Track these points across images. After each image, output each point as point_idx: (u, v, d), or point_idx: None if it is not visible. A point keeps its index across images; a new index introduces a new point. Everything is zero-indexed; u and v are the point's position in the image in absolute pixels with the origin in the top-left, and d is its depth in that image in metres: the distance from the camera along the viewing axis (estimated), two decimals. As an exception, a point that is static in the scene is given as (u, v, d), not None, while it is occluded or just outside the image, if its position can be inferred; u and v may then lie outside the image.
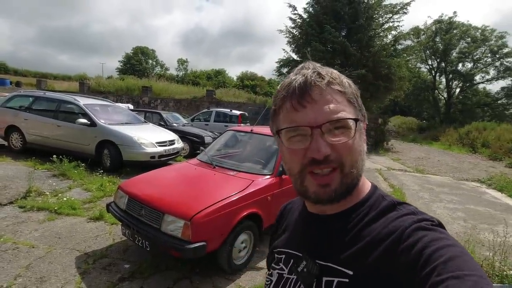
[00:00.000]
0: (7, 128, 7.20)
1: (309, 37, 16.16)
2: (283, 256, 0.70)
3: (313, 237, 0.65)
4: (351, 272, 0.55)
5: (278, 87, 0.63)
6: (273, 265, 0.72)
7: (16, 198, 4.33)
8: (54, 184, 5.24)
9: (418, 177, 9.36)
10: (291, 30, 17.72)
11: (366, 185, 0.65)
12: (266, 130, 4.26)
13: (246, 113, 14.26)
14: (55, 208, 4.11)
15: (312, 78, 0.58)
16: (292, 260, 0.66)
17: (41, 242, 3.30)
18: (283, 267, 0.68)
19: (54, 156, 5.84)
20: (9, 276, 2.65)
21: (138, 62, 50.85)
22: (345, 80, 0.62)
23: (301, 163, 0.57)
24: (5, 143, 7.42)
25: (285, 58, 18.64)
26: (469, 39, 28.07)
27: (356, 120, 0.58)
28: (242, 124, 11.91)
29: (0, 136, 7.45)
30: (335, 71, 0.63)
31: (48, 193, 4.73)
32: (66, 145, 6.69)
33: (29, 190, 4.57)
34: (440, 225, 0.55)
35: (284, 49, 18.37)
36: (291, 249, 0.69)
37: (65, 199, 4.44)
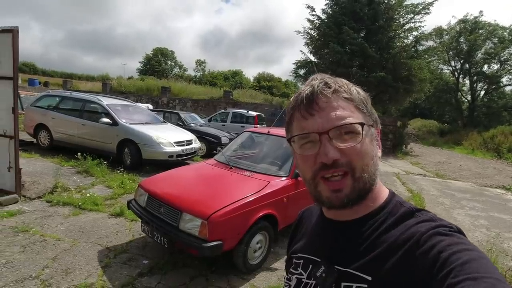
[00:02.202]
0: (36, 126, 7.61)
1: (327, 38, 16.03)
2: (302, 261, 0.71)
3: (331, 243, 0.66)
4: (369, 278, 0.56)
5: (291, 98, 0.67)
6: (291, 270, 0.73)
7: (44, 193, 4.57)
8: (78, 180, 5.49)
9: (438, 182, 9.07)
10: (309, 31, 17.66)
11: (383, 192, 0.66)
12: (282, 131, 4.27)
13: (263, 114, 14.30)
14: (79, 204, 4.30)
15: (319, 87, 0.61)
16: (310, 265, 0.67)
17: (66, 236, 3.48)
18: (302, 272, 0.69)
19: (79, 153, 6.11)
20: (37, 267, 2.81)
21: (158, 63, 52.05)
22: (353, 88, 0.64)
23: (313, 169, 0.60)
24: (34, 140, 7.83)
25: (302, 59, 18.59)
26: (496, 39, 26.84)
27: (362, 124, 0.60)
28: (258, 125, 11.97)
29: (30, 134, 7.87)
30: (343, 80, 0.65)
31: (72, 189, 4.96)
32: (89, 143, 6.98)
33: (56, 186, 4.82)
34: (459, 231, 0.55)
35: (301, 51, 18.42)
36: (309, 254, 0.70)
37: (88, 195, 4.65)
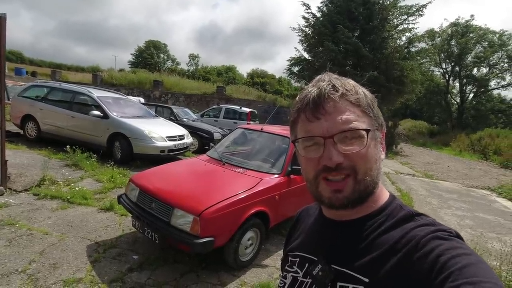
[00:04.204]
0: (23, 117, 7.40)
1: (322, 37, 16.05)
2: (298, 259, 0.71)
3: (329, 242, 0.66)
4: (366, 280, 0.56)
5: (296, 98, 0.65)
6: (287, 267, 0.73)
7: (31, 186, 4.47)
8: (67, 173, 5.38)
9: (427, 182, 9.26)
10: (303, 28, 17.64)
11: (384, 194, 0.66)
12: (275, 129, 4.29)
13: (256, 111, 14.28)
14: (68, 197, 4.22)
15: (326, 90, 0.60)
16: (307, 264, 0.67)
17: (54, 230, 3.41)
18: (298, 270, 0.69)
19: (68, 146, 5.99)
20: (24, 261, 2.75)
21: (150, 56, 51.23)
22: (361, 90, 0.63)
23: (315, 170, 0.60)
24: (21, 131, 7.63)
25: (296, 56, 18.57)
26: (486, 43, 27.45)
27: (368, 130, 0.59)
28: (251, 122, 11.94)
29: (16, 125, 7.66)
30: (351, 81, 0.64)
31: (61, 182, 4.86)
32: (79, 136, 6.84)
33: (43, 179, 4.70)
34: (458, 236, 0.56)
35: (296, 48, 18.35)
36: (306, 252, 0.70)
37: (77, 189, 4.56)
